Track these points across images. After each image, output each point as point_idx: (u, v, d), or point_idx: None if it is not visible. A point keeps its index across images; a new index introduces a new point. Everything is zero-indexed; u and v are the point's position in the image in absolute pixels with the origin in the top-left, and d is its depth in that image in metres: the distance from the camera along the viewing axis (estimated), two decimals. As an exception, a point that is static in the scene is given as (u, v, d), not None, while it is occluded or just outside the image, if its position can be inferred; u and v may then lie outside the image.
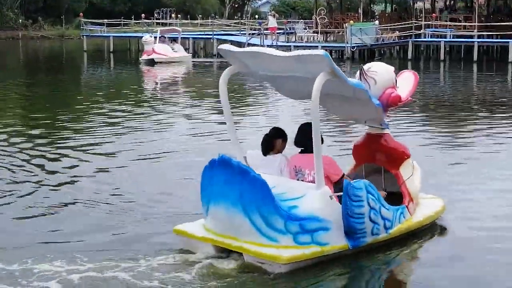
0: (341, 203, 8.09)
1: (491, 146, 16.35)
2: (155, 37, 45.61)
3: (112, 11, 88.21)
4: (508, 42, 44.13)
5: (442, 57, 46.17)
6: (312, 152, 8.02)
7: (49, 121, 20.34)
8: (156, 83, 35.83)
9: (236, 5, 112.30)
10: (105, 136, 17.63)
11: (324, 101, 8.67)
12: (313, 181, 8.21)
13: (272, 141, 8.69)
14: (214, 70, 43.21)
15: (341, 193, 8.06)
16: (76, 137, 17.49)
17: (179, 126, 19.62)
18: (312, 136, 7.87)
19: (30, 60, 54.98)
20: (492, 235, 9.75)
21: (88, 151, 15.52)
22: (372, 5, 63.37)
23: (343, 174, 8.55)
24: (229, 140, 9.27)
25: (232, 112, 9.47)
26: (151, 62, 43.78)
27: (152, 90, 32.51)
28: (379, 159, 9.23)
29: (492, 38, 47.77)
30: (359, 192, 8.08)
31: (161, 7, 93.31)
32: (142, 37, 47.97)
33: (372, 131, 9.33)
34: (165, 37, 47.42)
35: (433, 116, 22.16)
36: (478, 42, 46.39)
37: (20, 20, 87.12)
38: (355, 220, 8.09)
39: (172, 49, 46.49)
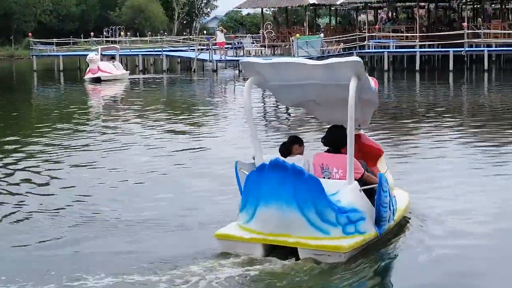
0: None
1: (434, 150, 16.73)
2: (98, 55, 44.86)
3: (61, 30, 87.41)
4: (448, 51, 44.96)
5: (386, 67, 46.72)
6: (338, 152, 9.04)
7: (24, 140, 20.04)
8: (114, 101, 35.33)
9: (184, 22, 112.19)
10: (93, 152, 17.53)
11: (311, 107, 9.94)
12: (340, 179, 8.88)
13: (290, 147, 9.47)
14: (164, 85, 43.12)
15: (367, 187, 8.88)
16: (51, 152, 17.21)
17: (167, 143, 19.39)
18: (347, 136, 8.51)
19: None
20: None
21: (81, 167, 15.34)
22: (317, 19, 63.87)
23: (364, 172, 9.06)
24: (251, 146, 9.62)
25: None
26: (97, 80, 43.16)
27: (112, 107, 32.05)
28: (358, 157, 9.46)
29: (433, 48, 48.55)
30: (386, 183, 8.87)
31: (110, 25, 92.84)
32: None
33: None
34: (104, 55, 46.84)
35: (379, 125, 22.37)
36: (420, 51, 47.14)
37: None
38: (383, 209, 8.87)
39: (113, 66, 45.96)
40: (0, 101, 35.39)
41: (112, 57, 48.38)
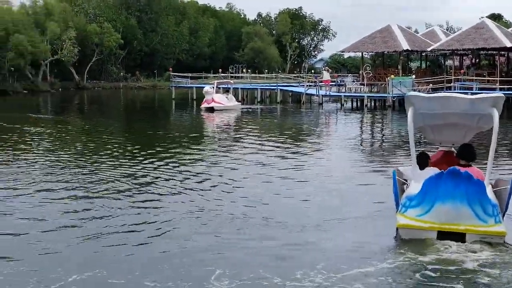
0: None
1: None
2: (214, 88, 44.10)
3: (195, 66, 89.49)
4: (525, 93, 43.18)
5: (469, 106, 45.17)
6: (470, 165, 10.37)
7: (157, 155, 20.62)
8: (230, 125, 35.65)
9: (295, 62, 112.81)
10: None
11: (431, 129, 11.35)
12: None
13: (427, 160, 10.84)
14: (278, 114, 43.34)
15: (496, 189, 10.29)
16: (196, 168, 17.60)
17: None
18: (490, 152, 10.03)
19: (129, 106, 56.14)
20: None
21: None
22: (409, 62, 62.67)
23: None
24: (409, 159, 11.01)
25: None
26: (211, 110, 42.35)
27: (229, 130, 32.46)
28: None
29: (512, 91, 46.72)
30: None
31: (234, 63, 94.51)
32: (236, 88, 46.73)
33: (445, 149, 11.67)
34: (219, 88, 47.08)
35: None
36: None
37: (122, 74, 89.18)
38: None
39: (226, 98, 45.15)
40: (147, 121, 36.66)
41: (226, 90, 48.31)
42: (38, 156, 19.92)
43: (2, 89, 65.68)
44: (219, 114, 40.46)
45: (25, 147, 22.46)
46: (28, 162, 18.44)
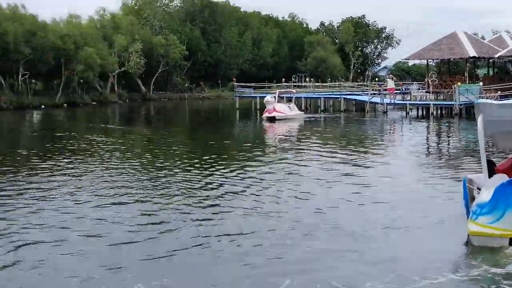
0: None
1: None
2: (275, 97, 44.01)
3: (258, 76, 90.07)
4: None
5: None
6: None
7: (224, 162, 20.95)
8: (291, 134, 35.74)
9: (358, 70, 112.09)
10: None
11: (499, 138, 11.45)
12: None
13: (492, 168, 10.69)
14: (341, 122, 43.17)
15: None
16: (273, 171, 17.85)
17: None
18: None
19: (194, 116, 56.97)
20: None
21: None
22: (476, 69, 61.39)
23: None
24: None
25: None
26: (272, 119, 42.11)
27: (291, 138, 32.51)
28: None
29: None
30: None
31: (297, 72, 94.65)
32: (299, 97, 46.63)
33: None
34: (283, 98, 46.76)
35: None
36: None
37: (187, 84, 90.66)
38: None
39: (288, 107, 45.04)
40: (212, 131, 37.15)
41: (289, 100, 48.06)
42: (109, 165, 20.48)
43: (72, 101, 67.83)
44: (281, 124, 40.45)
45: (96, 156, 23.12)
46: (99, 171, 19.01)
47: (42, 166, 20.32)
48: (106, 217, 12.58)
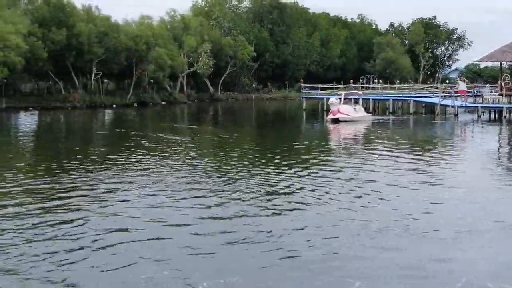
0: None
1: None
2: (340, 99, 43.76)
3: (326, 78, 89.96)
4: None
5: None
6: None
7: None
8: (358, 136, 35.68)
9: (428, 72, 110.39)
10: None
11: None
12: None
13: None
14: (410, 125, 42.72)
15: None
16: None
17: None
18: None
19: (261, 117, 57.44)
20: None
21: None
22: (552, 72, 59.72)
23: None
24: None
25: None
26: (336, 121, 41.62)
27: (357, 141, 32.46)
28: None
29: None
30: None
31: (365, 74, 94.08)
32: (367, 99, 46.20)
33: None
34: (349, 99, 46.28)
35: None
36: None
37: (254, 85, 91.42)
38: None
39: (354, 109, 44.58)
40: (278, 132, 37.45)
41: (355, 101, 47.74)
42: (182, 163, 21.01)
43: (142, 101, 69.56)
44: (346, 126, 40.13)
45: (169, 155, 23.70)
46: (172, 169, 19.56)
47: (120, 163, 21.05)
48: (181, 216, 12.94)
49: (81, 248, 10.39)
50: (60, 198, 14.64)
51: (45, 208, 13.46)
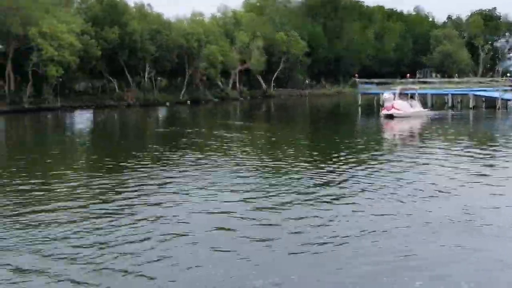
0: None
1: None
2: (394, 94, 42.99)
3: (380, 72, 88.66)
4: None
5: None
6: None
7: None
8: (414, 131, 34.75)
9: (488, 65, 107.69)
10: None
11: None
12: None
13: None
14: (470, 120, 41.44)
15: None
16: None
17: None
18: None
19: (314, 113, 56.91)
20: None
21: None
22: None
23: None
24: None
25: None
26: (390, 117, 41.03)
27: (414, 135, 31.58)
28: None
29: None
30: None
31: (422, 67, 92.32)
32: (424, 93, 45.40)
33: None
34: (405, 94, 45.19)
35: None
36: None
37: (307, 81, 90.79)
38: None
39: (410, 105, 43.54)
40: (333, 128, 36.99)
41: (411, 96, 46.63)
42: (238, 161, 20.75)
43: (195, 98, 69.80)
44: (401, 121, 39.37)
45: (225, 152, 23.53)
46: (230, 166, 19.31)
47: (180, 160, 21.09)
48: (241, 211, 12.83)
49: (147, 241, 10.37)
50: (124, 198, 14.61)
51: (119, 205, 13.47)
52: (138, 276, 8.96)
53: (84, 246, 10.49)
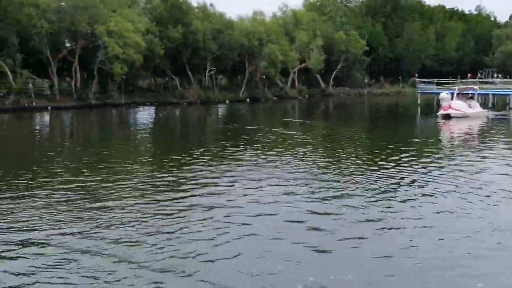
0: None
1: None
2: (452, 94, 42.78)
3: (441, 72, 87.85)
4: None
5: None
6: None
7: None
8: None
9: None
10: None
11: None
12: None
13: None
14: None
15: None
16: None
17: None
18: None
19: (373, 112, 56.98)
20: None
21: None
22: None
23: None
24: None
25: None
26: (447, 117, 40.75)
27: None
28: None
29: None
30: None
31: (484, 67, 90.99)
32: (485, 94, 45.02)
33: None
34: (465, 94, 44.87)
35: None
36: None
37: (366, 80, 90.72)
38: None
39: (468, 105, 43.19)
40: (392, 128, 37.19)
41: (470, 97, 46.18)
42: (298, 159, 21.51)
43: (254, 96, 70.89)
44: (459, 121, 39.12)
45: (285, 150, 24.26)
46: (290, 164, 20.10)
47: (244, 158, 21.92)
48: (306, 210, 13.36)
49: (214, 241, 11.26)
50: (187, 195, 15.55)
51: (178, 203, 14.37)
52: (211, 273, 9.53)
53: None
